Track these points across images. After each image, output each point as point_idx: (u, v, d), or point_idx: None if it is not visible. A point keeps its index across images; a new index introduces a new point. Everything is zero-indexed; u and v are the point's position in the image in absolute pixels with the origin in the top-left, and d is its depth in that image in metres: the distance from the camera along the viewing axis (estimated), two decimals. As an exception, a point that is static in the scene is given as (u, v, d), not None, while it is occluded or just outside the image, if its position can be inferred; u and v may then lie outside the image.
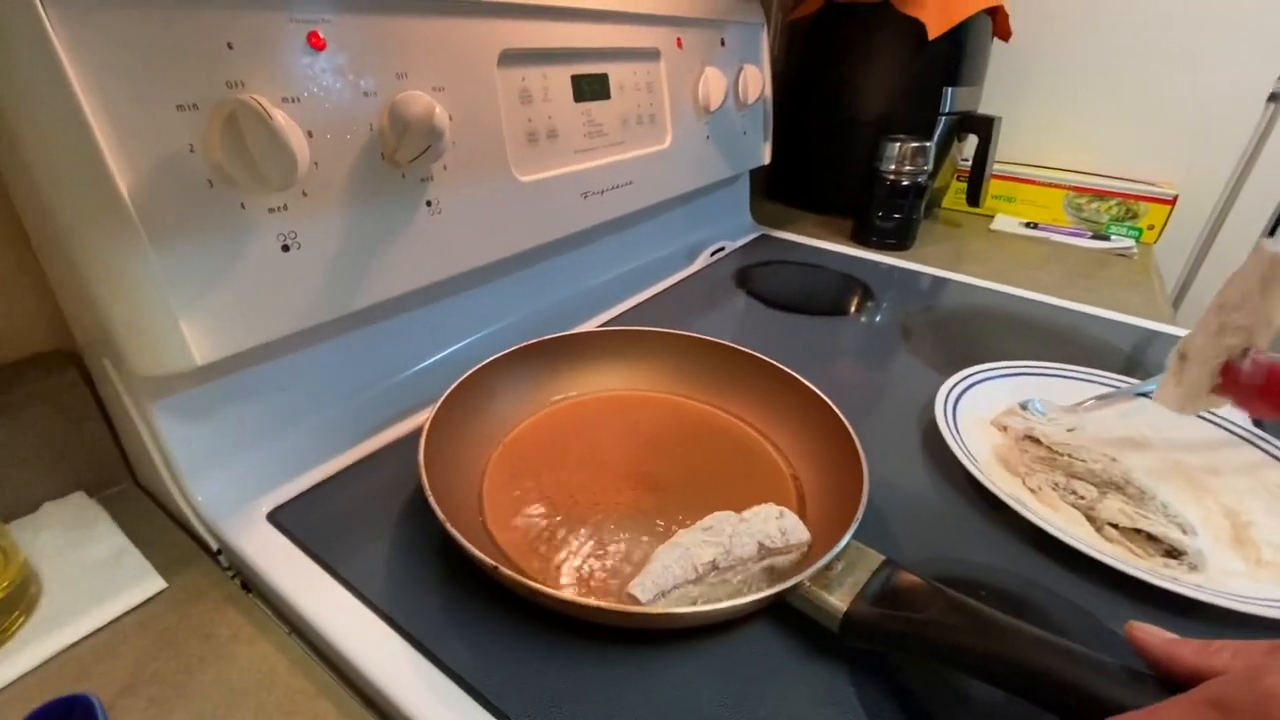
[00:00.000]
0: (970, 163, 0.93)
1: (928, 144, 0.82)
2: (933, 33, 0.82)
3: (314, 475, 0.40)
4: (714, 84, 0.68)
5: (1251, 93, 0.93)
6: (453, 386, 0.41)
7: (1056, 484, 0.40)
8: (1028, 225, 1.00)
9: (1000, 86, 1.04)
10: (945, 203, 1.07)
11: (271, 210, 0.34)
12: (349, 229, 0.38)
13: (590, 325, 0.61)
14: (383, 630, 0.31)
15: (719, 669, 0.30)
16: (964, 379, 0.51)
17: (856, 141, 0.90)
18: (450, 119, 0.40)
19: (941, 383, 0.49)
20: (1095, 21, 0.98)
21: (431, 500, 0.32)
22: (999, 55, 0.99)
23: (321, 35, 0.35)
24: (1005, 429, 0.46)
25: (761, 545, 0.33)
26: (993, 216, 1.02)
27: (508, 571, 0.29)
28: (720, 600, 0.30)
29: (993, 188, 1.01)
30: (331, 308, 0.38)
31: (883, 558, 0.32)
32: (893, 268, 0.81)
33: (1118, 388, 0.51)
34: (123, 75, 0.28)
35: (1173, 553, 0.36)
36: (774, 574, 0.33)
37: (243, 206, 0.33)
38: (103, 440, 0.40)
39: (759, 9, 0.77)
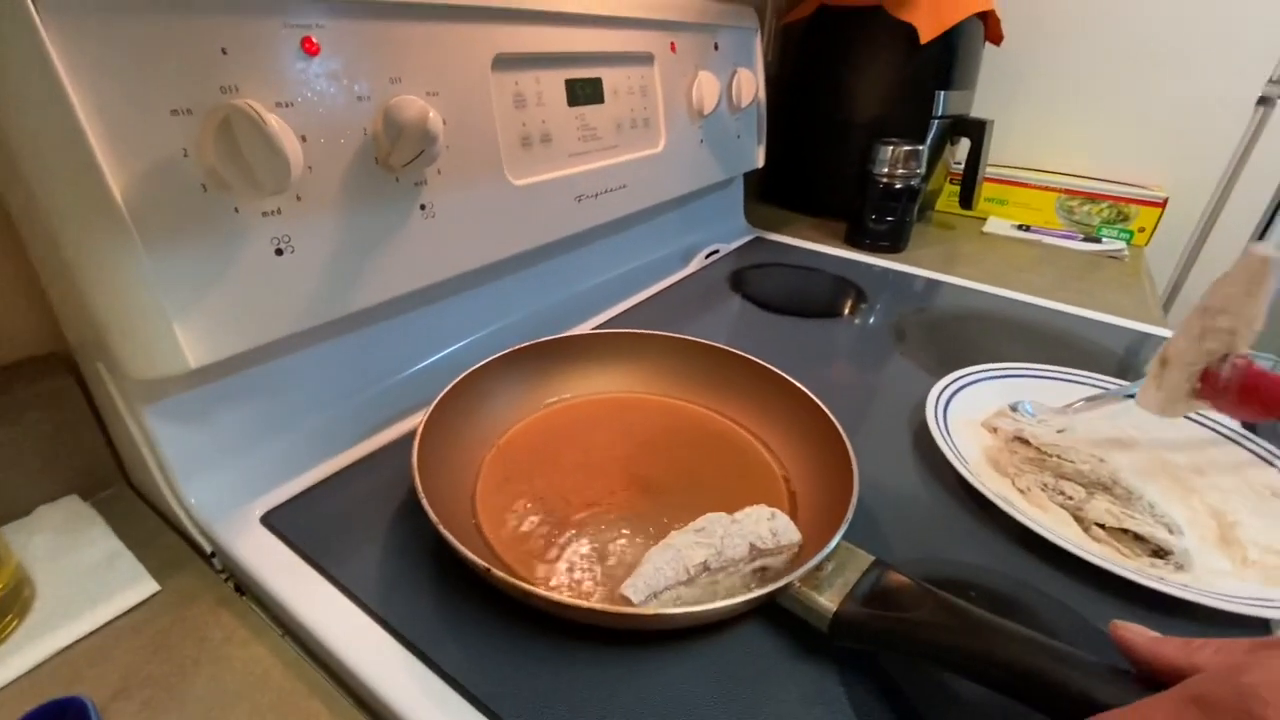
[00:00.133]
0: (963, 166, 0.94)
1: (920, 147, 0.82)
2: (924, 37, 0.83)
3: (308, 478, 0.40)
4: (708, 88, 0.68)
5: (1241, 97, 0.94)
6: (446, 389, 0.41)
7: (1045, 485, 0.41)
8: (1020, 228, 1.00)
9: (993, 90, 1.04)
10: (938, 205, 1.08)
11: (265, 214, 0.34)
12: (343, 233, 0.38)
13: (585, 328, 0.61)
14: (376, 632, 0.31)
15: (710, 669, 0.30)
16: (955, 381, 0.51)
17: (850, 145, 0.91)
18: (444, 123, 0.40)
19: (933, 384, 0.50)
20: (1086, 26, 0.99)
21: (424, 503, 0.32)
22: (991, 59, 1.00)
23: (315, 40, 0.35)
24: (995, 430, 0.46)
25: (753, 546, 0.33)
26: (985, 219, 1.03)
27: (500, 573, 0.29)
28: (711, 601, 0.30)
29: (985, 190, 1.02)
30: (325, 311, 0.38)
31: (872, 558, 0.32)
32: (886, 270, 0.82)
33: (1107, 389, 0.51)
34: (116, 80, 0.28)
35: (1159, 552, 0.36)
36: (765, 575, 0.33)
37: (236, 210, 0.33)
38: (96, 443, 0.41)
39: (752, 13, 0.77)
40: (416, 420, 0.38)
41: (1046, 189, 1.00)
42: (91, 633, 0.32)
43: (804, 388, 0.44)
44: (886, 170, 0.83)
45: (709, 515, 0.34)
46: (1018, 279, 0.80)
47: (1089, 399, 0.50)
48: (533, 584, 0.30)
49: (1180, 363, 0.41)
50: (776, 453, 0.44)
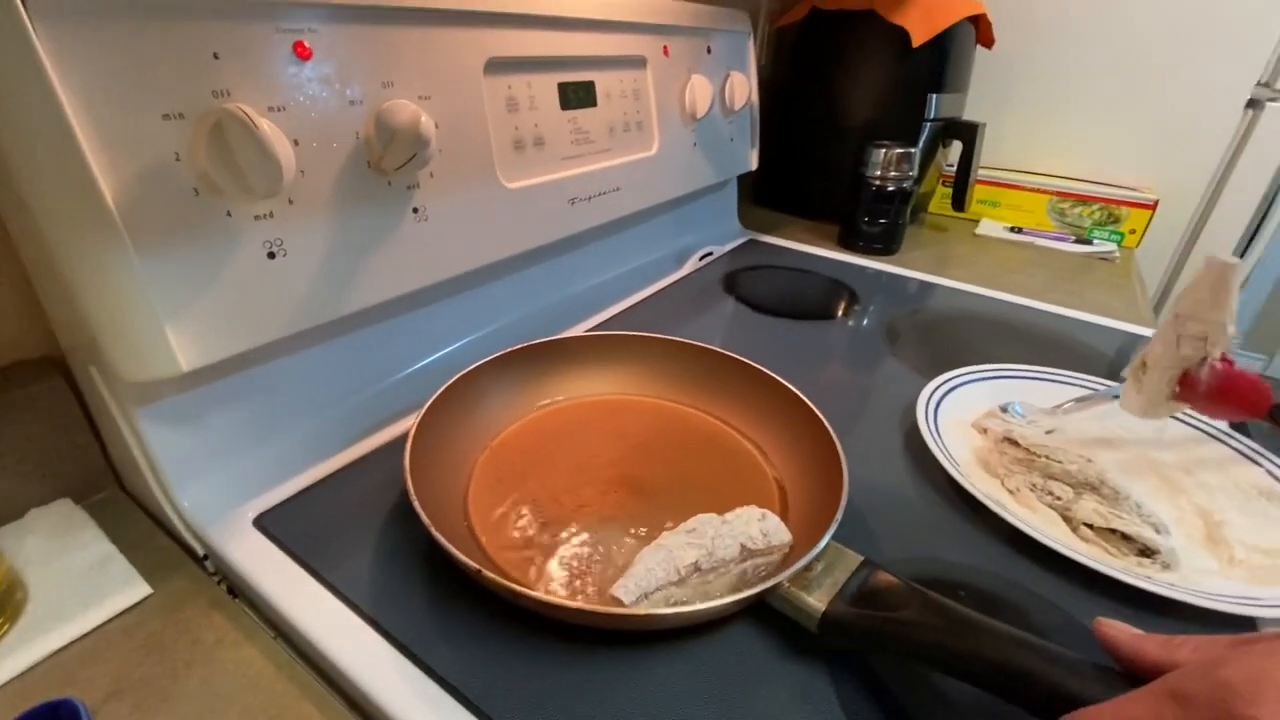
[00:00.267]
0: (955, 168, 0.94)
1: (913, 150, 0.83)
2: (916, 40, 0.83)
3: (300, 481, 0.41)
4: (700, 91, 0.68)
5: (1230, 99, 0.94)
6: (439, 391, 0.41)
7: (1034, 485, 0.41)
8: (1012, 230, 1.01)
9: (985, 93, 1.05)
10: (931, 208, 1.08)
11: (257, 218, 0.34)
12: (335, 236, 0.38)
13: (578, 330, 0.61)
14: (368, 634, 0.31)
15: (701, 669, 0.30)
16: (946, 382, 0.51)
17: (843, 147, 0.91)
18: (436, 127, 0.41)
19: (925, 386, 0.50)
20: (1077, 30, 0.99)
21: (416, 505, 0.32)
22: (983, 63, 1.01)
23: (308, 45, 0.35)
24: (986, 431, 0.46)
25: (743, 547, 0.33)
26: (978, 221, 1.03)
27: (491, 575, 0.29)
28: (702, 601, 0.30)
29: (978, 193, 1.02)
30: (317, 314, 0.39)
31: (861, 558, 0.32)
32: (879, 272, 0.82)
33: (1096, 390, 0.52)
34: (108, 84, 0.28)
35: (1146, 552, 0.37)
36: (756, 576, 0.33)
37: (229, 214, 0.33)
38: (88, 446, 0.41)
39: (745, 17, 0.78)
40: (409, 423, 0.38)
41: (1038, 191, 1.01)
42: (84, 635, 0.32)
43: (795, 389, 0.44)
44: (879, 173, 0.83)
45: (700, 516, 0.34)
46: (1009, 281, 0.81)
47: (1078, 400, 0.50)
48: (524, 585, 0.30)
49: (1158, 367, 0.42)
50: (768, 454, 0.44)
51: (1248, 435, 0.47)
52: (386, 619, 0.32)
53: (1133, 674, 0.24)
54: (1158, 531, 0.37)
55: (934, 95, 0.89)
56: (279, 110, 0.34)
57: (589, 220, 0.59)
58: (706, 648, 0.31)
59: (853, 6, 0.87)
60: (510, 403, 0.47)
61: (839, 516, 0.33)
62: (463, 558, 0.29)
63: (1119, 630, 0.25)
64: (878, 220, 0.86)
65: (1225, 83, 0.94)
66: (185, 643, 0.32)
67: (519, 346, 0.47)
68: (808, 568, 0.31)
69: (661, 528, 0.36)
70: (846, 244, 0.90)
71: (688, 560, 0.32)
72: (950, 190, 0.96)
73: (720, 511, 0.35)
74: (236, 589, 0.36)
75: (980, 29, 0.94)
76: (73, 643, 0.32)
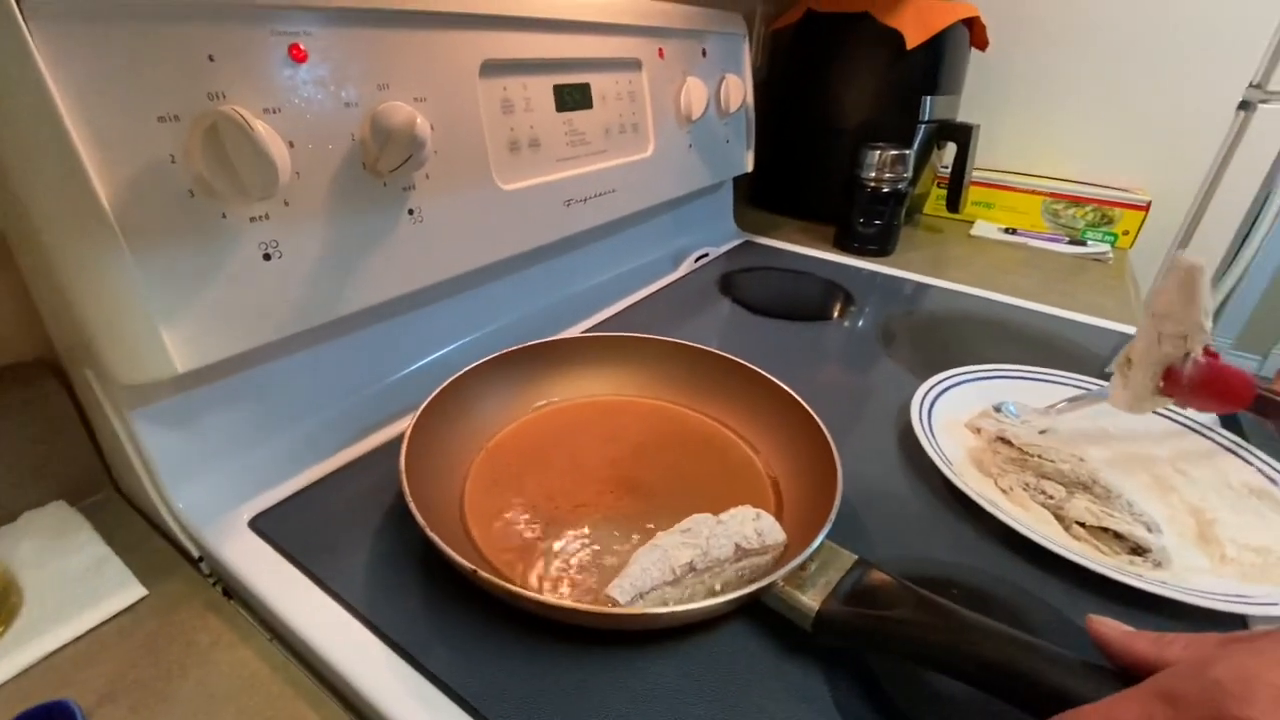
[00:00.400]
0: (950, 170, 0.95)
1: (907, 152, 0.83)
2: (911, 43, 0.84)
3: (296, 482, 0.41)
4: (696, 93, 0.68)
5: (1222, 101, 0.95)
6: (435, 392, 0.41)
7: (1027, 484, 0.41)
8: (1006, 231, 1.01)
9: (979, 96, 1.06)
10: (926, 209, 1.09)
11: (253, 219, 0.34)
12: (331, 237, 0.38)
13: (574, 331, 0.61)
14: (364, 635, 0.31)
15: (696, 668, 0.30)
16: (940, 382, 0.52)
17: (838, 149, 0.91)
18: (431, 129, 0.41)
19: (919, 386, 0.50)
20: (1070, 33, 1.00)
21: (412, 506, 0.32)
22: (977, 65, 1.01)
23: (303, 47, 0.35)
24: (979, 431, 0.47)
25: (738, 547, 0.33)
26: (972, 222, 1.04)
27: (486, 575, 0.29)
28: (697, 601, 0.30)
29: (972, 194, 1.03)
30: (313, 316, 0.39)
31: (855, 557, 0.32)
32: (874, 273, 0.83)
33: (1089, 390, 0.52)
34: (104, 87, 0.28)
35: (1138, 550, 0.37)
36: (751, 575, 0.33)
37: (224, 216, 0.33)
38: (83, 448, 0.41)
39: (740, 20, 0.78)
40: (405, 424, 0.39)
41: (1032, 193, 1.01)
42: (79, 637, 0.32)
43: (790, 390, 0.44)
44: (874, 174, 0.84)
45: (695, 516, 0.34)
46: (1004, 281, 0.81)
47: (1071, 399, 0.50)
48: (520, 586, 0.31)
49: (1143, 363, 0.42)
50: (763, 454, 0.44)
51: (1242, 433, 0.47)
52: (382, 620, 0.32)
53: (1124, 671, 0.24)
54: (1149, 530, 0.37)
55: (928, 97, 0.90)
56: (274, 112, 0.34)
57: (585, 222, 0.59)
58: (701, 647, 0.31)
59: (847, 9, 0.88)
60: (506, 404, 0.47)
61: (833, 516, 0.34)
62: (458, 558, 0.30)
63: (1109, 627, 0.25)
64: (873, 222, 0.87)
65: (1217, 85, 0.94)
66: (180, 644, 0.32)
67: (515, 348, 0.47)
68: (802, 567, 0.32)
69: (657, 528, 0.36)
70: (842, 245, 0.90)
71: (683, 560, 0.32)
72: (945, 192, 0.97)
73: (716, 511, 0.35)
74: (232, 590, 0.36)
75: (974, 32, 0.94)
76: (68, 645, 0.32)
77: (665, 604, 0.31)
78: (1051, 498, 0.40)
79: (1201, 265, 0.39)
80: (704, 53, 0.72)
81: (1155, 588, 0.34)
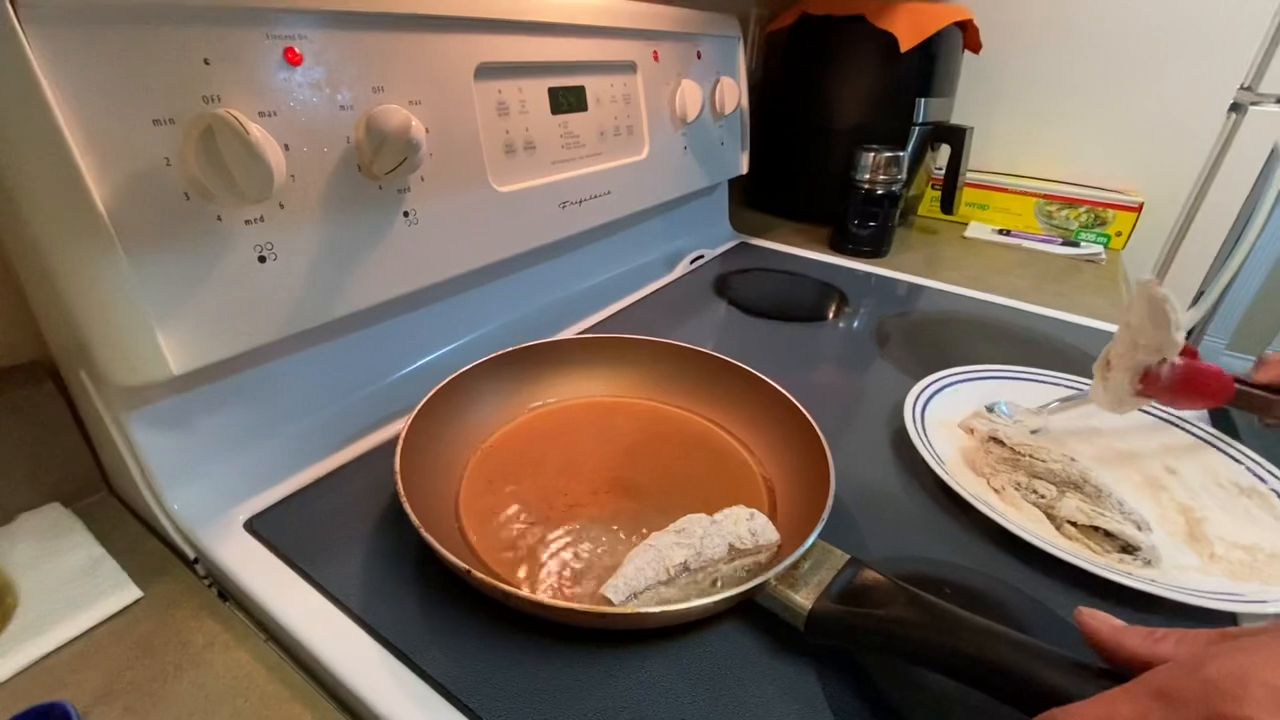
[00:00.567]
0: (944, 171, 0.95)
1: (902, 153, 0.83)
2: (904, 45, 0.84)
3: (291, 484, 0.41)
4: (690, 96, 0.69)
5: (1214, 104, 0.96)
6: (430, 394, 0.41)
7: (1019, 484, 0.41)
8: (1000, 232, 1.02)
9: (972, 98, 1.06)
10: (920, 210, 1.09)
11: (248, 222, 0.34)
12: (326, 240, 0.38)
13: (570, 333, 0.61)
14: (360, 636, 0.32)
15: (690, 667, 0.31)
16: (934, 383, 0.52)
17: (833, 151, 0.92)
18: (426, 131, 0.41)
19: (913, 386, 0.51)
20: (1063, 36, 1.01)
21: (407, 506, 0.32)
22: (970, 68, 1.02)
23: (298, 50, 0.35)
24: (972, 431, 0.47)
25: (732, 546, 0.33)
26: (967, 224, 1.04)
27: (480, 575, 0.29)
28: (690, 600, 0.31)
29: (966, 196, 1.03)
30: (309, 317, 0.39)
31: (847, 556, 0.33)
32: (869, 274, 0.83)
33: (1081, 390, 0.52)
34: (99, 90, 0.28)
35: (1128, 548, 0.37)
36: (744, 575, 0.34)
37: (219, 218, 0.33)
38: (78, 450, 0.41)
39: (734, 22, 0.78)
40: (400, 425, 0.39)
41: (1026, 194, 1.02)
42: (74, 639, 0.32)
43: (783, 390, 0.44)
44: (868, 176, 0.84)
45: (689, 516, 0.35)
46: (998, 282, 0.82)
47: (1064, 400, 0.51)
48: (515, 586, 0.31)
49: (1120, 366, 0.43)
50: (757, 455, 0.45)
51: (1233, 432, 0.48)
52: (377, 620, 0.32)
53: (1114, 666, 0.24)
54: (1140, 528, 0.38)
55: (922, 99, 0.90)
56: (269, 115, 0.34)
57: (580, 224, 0.59)
58: (695, 646, 0.32)
59: (842, 12, 0.88)
60: (502, 405, 0.47)
61: (825, 515, 0.34)
62: (453, 558, 0.30)
63: (1099, 620, 0.25)
64: (867, 223, 0.87)
65: (1208, 87, 0.95)
66: (175, 645, 0.32)
67: (510, 349, 0.48)
68: (795, 566, 0.32)
69: (651, 528, 0.36)
70: (837, 247, 0.91)
71: (677, 560, 0.32)
72: (939, 193, 0.97)
73: (710, 511, 0.35)
74: (227, 592, 0.37)
75: (967, 34, 0.95)
76: (63, 646, 0.32)
77: (659, 604, 0.31)
78: (1043, 497, 0.40)
79: (1167, 295, 0.40)
80: (699, 55, 0.72)
81: (1145, 586, 0.34)
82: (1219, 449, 0.46)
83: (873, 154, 0.83)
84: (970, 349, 0.64)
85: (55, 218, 0.29)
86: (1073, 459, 0.41)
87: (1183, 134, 0.98)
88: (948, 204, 0.96)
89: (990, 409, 0.49)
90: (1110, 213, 0.97)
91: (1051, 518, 0.40)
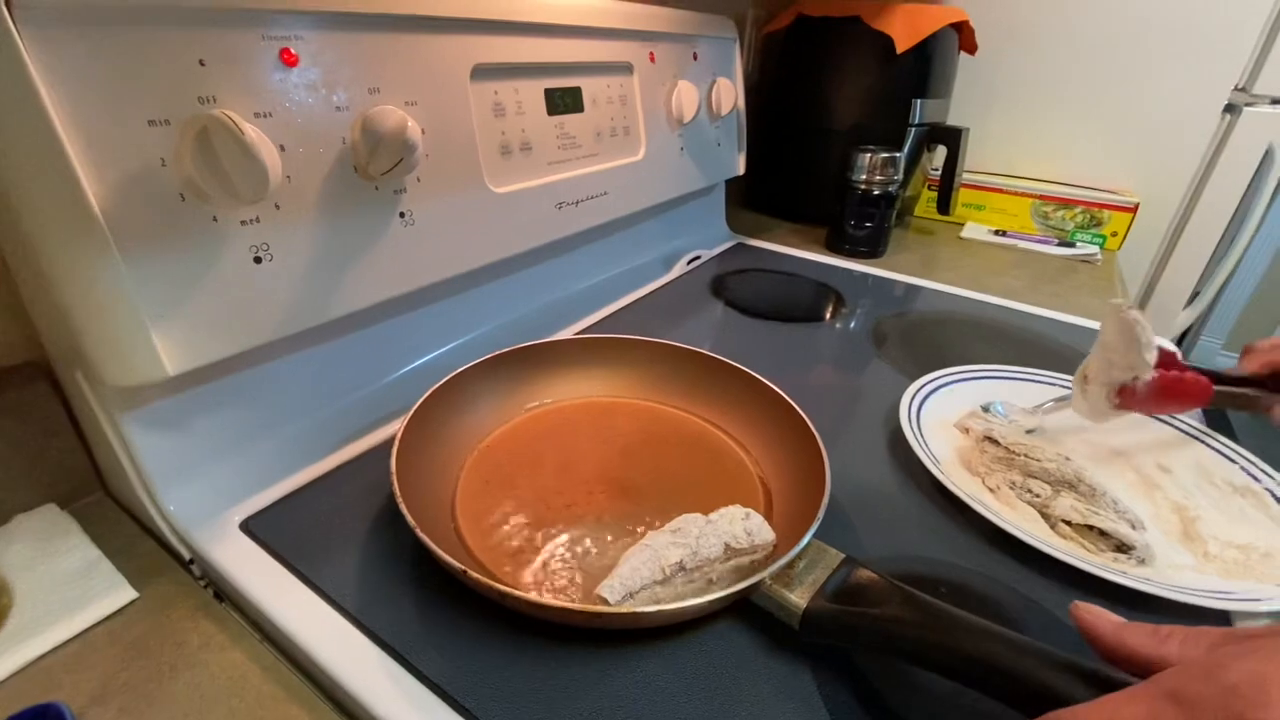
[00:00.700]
0: (940, 172, 0.95)
1: (898, 154, 0.84)
2: (900, 47, 0.84)
3: (287, 484, 0.41)
4: (687, 97, 0.69)
5: (1208, 105, 0.96)
6: (426, 394, 0.41)
7: (1014, 483, 0.42)
8: (996, 233, 1.02)
9: (968, 99, 1.07)
10: (917, 211, 1.10)
11: (244, 223, 0.34)
12: (322, 240, 0.38)
13: (567, 333, 0.61)
14: (356, 636, 0.32)
15: (686, 666, 0.31)
16: (930, 382, 0.52)
17: (829, 152, 0.92)
18: (422, 132, 0.41)
19: (909, 386, 0.51)
20: (1058, 37, 1.01)
21: (403, 507, 0.32)
22: (966, 69, 1.02)
23: (294, 51, 0.35)
24: (967, 431, 0.47)
25: (728, 546, 0.33)
26: (963, 224, 1.05)
27: (476, 575, 0.29)
28: (686, 600, 0.31)
29: (963, 196, 1.04)
30: (305, 318, 0.39)
31: (843, 556, 0.33)
32: (865, 275, 0.83)
33: (1077, 390, 0.52)
34: (94, 91, 0.28)
35: (1123, 547, 0.37)
36: (740, 574, 0.34)
37: (215, 219, 0.33)
38: (74, 452, 0.41)
39: (731, 24, 0.79)
40: (397, 426, 0.39)
41: (1022, 195, 1.02)
42: (69, 640, 0.32)
43: (779, 390, 0.45)
44: (865, 177, 0.84)
45: (685, 516, 0.35)
46: (994, 283, 0.82)
47: (1058, 399, 0.51)
48: (511, 586, 0.31)
49: (1097, 382, 0.44)
50: (753, 455, 0.45)
51: (1229, 433, 0.48)
52: (374, 621, 0.32)
53: (1115, 665, 0.23)
54: (1134, 527, 0.38)
55: (918, 100, 0.91)
56: (265, 116, 0.34)
57: (576, 224, 0.59)
58: (691, 645, 0.32)
59: (838, 14, 0.89)
60: (498, 405, 0.47)
61: (821, 515, 0.34)
62: (448, 559, 0.30)
63: (1096, 616, 0.24)
64: (864, 224, 0.87)
65: (1203, 88, 0.96)
66: (171, 646, 0.32)
67: (506, 349, 0.48)
68: (790, 565, 0.32)
69: (648, 528, 0.37)
70: (833, 247, 0.91)
71: (672, 559, 0.32)
72: (935, 194, 0.97)
73: (705, 511, 0.35)
74: (223, 593, 0.37)
75: (963, 35, 0.95)
76: (58, 647, 0.32)
77: (655, 603, 0.31)
78: (1038, 496, 0.40)
79: (1137, 318, 0.41)
80: (695, 56, 0.72)
81: (1139, 584, 0.34)
82: (1214, 448, 0.47)
83: (869, 155, 0.83)
84: (966, 349, 0.64)
85: (50, 218, 0.29)
86: (1067, 458, 0.42)
87: (1178, 135, 0.99)
88: (944, 205, 0.96)
89: (986, 409, 0.49)
90: (1106, 213, 0.98)
91: (1046, 517, 0.40)
